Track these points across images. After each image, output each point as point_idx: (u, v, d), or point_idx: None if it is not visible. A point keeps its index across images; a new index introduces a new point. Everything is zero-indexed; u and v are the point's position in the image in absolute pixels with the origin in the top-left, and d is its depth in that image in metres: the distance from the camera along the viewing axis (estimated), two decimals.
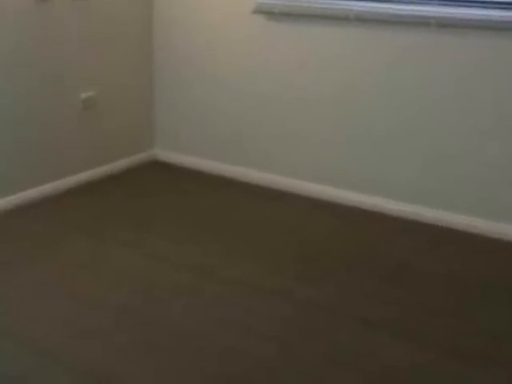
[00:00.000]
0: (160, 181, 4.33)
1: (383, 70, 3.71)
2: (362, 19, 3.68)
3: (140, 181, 4.31)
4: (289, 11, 3.90)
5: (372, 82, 3.76)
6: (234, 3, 4.10)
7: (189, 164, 4.50)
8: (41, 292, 2.95)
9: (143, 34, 4.42)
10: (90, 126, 4.18)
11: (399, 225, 3.70)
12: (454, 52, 3.49)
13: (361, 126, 3.84)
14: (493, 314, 2.87)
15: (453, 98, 3.55)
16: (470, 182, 3.59)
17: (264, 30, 4.02)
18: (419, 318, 2.82)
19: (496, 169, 3.51)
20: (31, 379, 2.41)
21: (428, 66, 3.57)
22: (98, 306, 2.86)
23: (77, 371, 2.44)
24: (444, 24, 3.46)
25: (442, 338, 2.68)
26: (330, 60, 3.85)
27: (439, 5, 3.47)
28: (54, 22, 3.85)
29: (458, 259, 3.36)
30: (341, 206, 3.91)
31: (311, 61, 3.92)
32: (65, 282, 3.05)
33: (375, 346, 2.62)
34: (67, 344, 2.59)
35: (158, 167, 4.56)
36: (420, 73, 3.61)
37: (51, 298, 2.91)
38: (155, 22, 4.44)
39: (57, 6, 3.83)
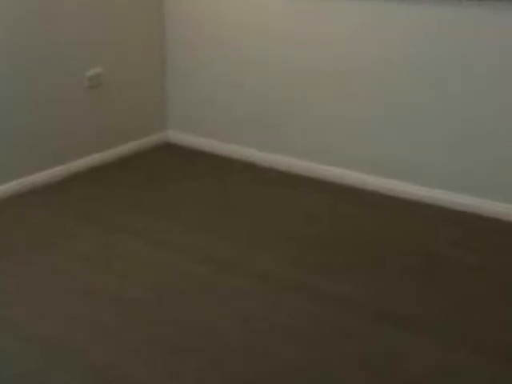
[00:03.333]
0: (173, 165, 4.23)
1: (411, 47, 3.53)
2: None
3: (151, 165, 4.22)
4: None
5: (400, 60, 3.58)
6: None
7: (203, 147, 4.39)
8: (43, 286, 2.87)
9: (154, 5, 4.28)
10: (96, 106, 4.06)
11: (428, 212, 3.58)
12: (491, 29, 3.29)
13: (386, 108, 3.69)
14: None
15: (487, 78, 3.35)
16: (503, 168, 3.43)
17: (286, 1, 3.82)
18: (448, 314, 2.70)
19: None
20: (31, 379, 2.33)
21: (459, 43, 3.39)
22: (105, 302, 2.77)
23: (80, 370, 2.36)
24: None
25: (473, 335, 2.57)
26: (356, 37, 3.68)
27: None
28: None
29: (490, 249, 3.22)
30: (365, 192, 3.80)
31: (335, 37, 3.74)
32: (69, 276, 2.96)
33: (401, 343, 2.51)
34: (70, 341, 2.51)
35: (171, 150, 4.46)
36: (450, 51, 3.42)
37: (54, 293, 2.82)
38: None
39: None
